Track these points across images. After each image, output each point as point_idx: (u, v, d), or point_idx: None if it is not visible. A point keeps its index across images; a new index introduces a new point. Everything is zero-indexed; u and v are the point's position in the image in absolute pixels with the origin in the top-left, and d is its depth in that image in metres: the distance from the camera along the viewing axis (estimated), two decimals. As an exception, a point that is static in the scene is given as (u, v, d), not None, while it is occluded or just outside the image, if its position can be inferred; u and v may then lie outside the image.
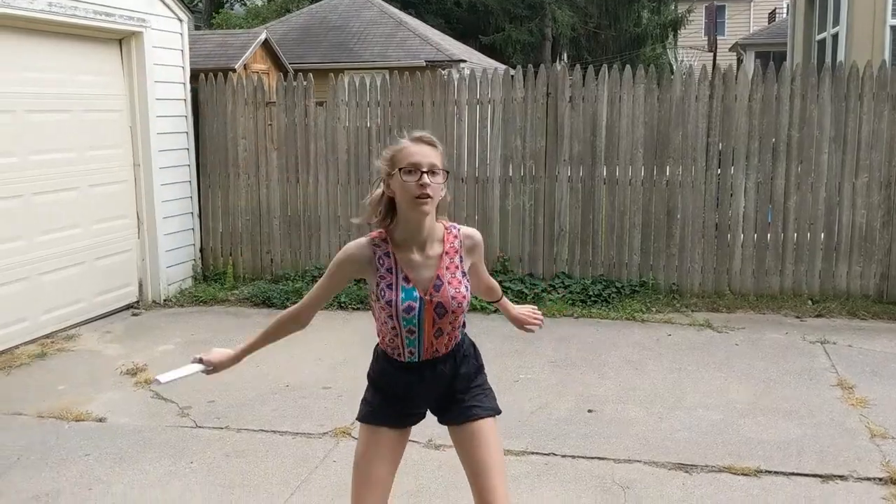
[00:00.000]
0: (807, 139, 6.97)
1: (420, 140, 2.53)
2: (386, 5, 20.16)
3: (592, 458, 4.19)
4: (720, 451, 4.23)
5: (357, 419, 2.73)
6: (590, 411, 4.80)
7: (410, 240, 2.52)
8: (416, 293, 2.50)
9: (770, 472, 4.00)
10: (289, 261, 7.91)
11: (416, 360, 2.58)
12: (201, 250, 8.07)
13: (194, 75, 7.99)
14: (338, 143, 7.76)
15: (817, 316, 6.72)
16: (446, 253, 2.56)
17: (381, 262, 2.51)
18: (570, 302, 7.14)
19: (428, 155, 2.49)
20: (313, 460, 4.21)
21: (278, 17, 23.04)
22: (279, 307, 7.17)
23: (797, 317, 6.73)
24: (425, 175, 2.44)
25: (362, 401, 2.72)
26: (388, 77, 7.71)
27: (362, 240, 2.55)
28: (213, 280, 7.95)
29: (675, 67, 7.99)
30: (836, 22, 10.04)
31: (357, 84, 7.74)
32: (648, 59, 26.92)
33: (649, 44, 27.42)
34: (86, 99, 6.74)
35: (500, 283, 7.32)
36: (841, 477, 3.96)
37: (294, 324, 2.69)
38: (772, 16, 30.22)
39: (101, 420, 4.77)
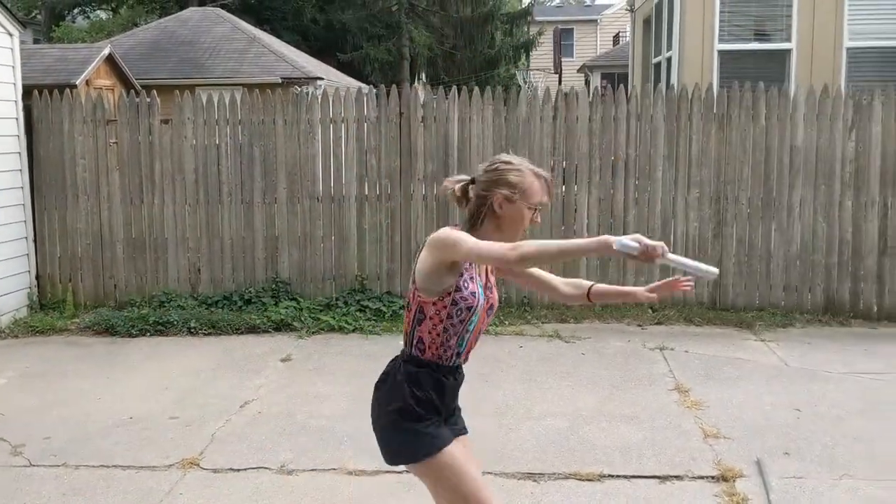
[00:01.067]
0: (643, 157, 7.38)
1: (546, 183, 2.67)
2: (239, 21, 19.78)
3: (445, 473, 4.23)
4: (567, 458, 4.39)
5: (429, 456, 2.58)
6: (443, 427, 4.86)
7: None
8: (482, 289, 2.66)
9: (612, 476, 4.18)
10: (134, 286, 7.58)
11: (457, 362, 2.69)
12: (38, 277, 7.60)
13: (29, 91, 7.54)
14: (185, 162, 7.53)
15: (657, 324, 7.11)
16: None
17: None
18: (426, 318, 7.21)
19: (548, 193, 2.69)
20: (157, 494, 4.05)
21: (124, 31, 22.15)
22: (123, 335, 6.86)
23: (639, 325, 7.08)
24: (537, 213, 2.66)
25: (419, 437, 2.59)
26: (235, 94, 7.57)
27: (451, 227, 2.63)
28: (51, 308, 7.49)
29: (521, 89, 8.31)
30: (669, 46, 10.71)
31: (204, 101, 7.55)
32: (503, 79, 27.70)
33: (503, 65, 28.24)
34: None
35: (358, 301, 7.40)
36: (677, 477, 4.19)
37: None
38: (616, 39, 31.86)
39: (-81, 465, 4.39)
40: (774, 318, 7.11)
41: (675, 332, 6.89)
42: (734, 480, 4.10)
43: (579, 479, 4.14)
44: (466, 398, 5.24)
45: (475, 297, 2.60)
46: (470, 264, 2.61)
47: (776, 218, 7.27)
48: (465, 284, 2.59)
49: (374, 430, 2.69)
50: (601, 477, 4.16)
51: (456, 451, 2.62)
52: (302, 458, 4.42)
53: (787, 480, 4.10)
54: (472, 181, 2.67)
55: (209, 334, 6.90)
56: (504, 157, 2.69)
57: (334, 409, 5.19)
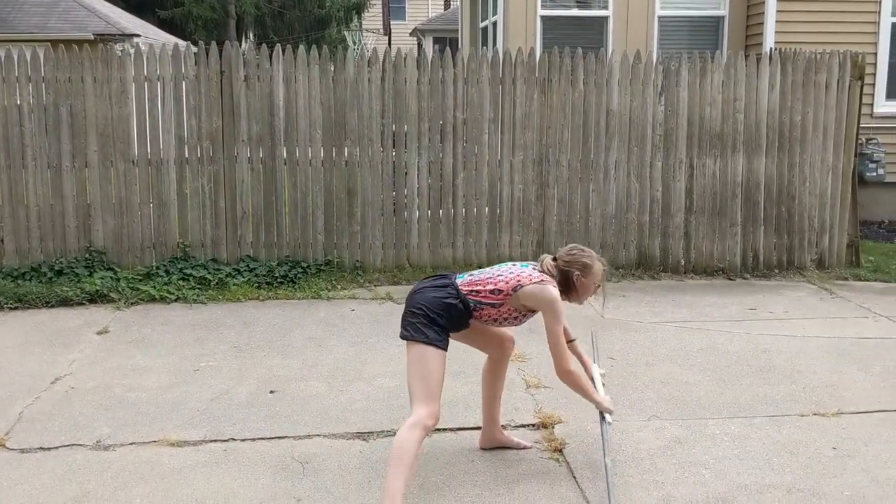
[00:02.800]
0: (470, 120, 7.50)
1: (603, 266, 3.79)
2: (44, -28, 18.22)
3: (273, 438, 4.19)
4: (395, 416, 4.43)
5: (433, 345, 3.53)
6: (272, 392, 4.79)
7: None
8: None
9: (440, 429, 4.23)
10: (-74, 259, 6.91)
11: None
12: None
13: None
14: (-19, 123, 6.91)
15: (485, 283, 7.29)
16: None
17: None
18: (255, 285, 7.05)
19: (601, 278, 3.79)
20: (-44, 481, 3.74)
21: None
22: (-85, 312, 6.26)
23: (467, 285, 7.24)
24: (600, 288, 3.81)
25: (442, 331, 3.60)
26: (37, 50, 6.99)
27: (558, 291, 3.65)
28: None
29: (349, 50, 8.18)
30: (495, 11, 10.91)
31: (3, 57, 6.92)
32: (335, 40, 27.27)
33: (334, 25, 27.78)
34: None
35: (181, 270, 7.11)
36: (502, 426, 4.34)
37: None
38: (447, 3, 32.04)
39: None
40: (593, 274, 7.48)
41: (501, 290, 7.09)
42: (553, 427, 4.31)
43: (407, 436, 4.19)
44: (298, 364, 5.23)
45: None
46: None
47: (594, 179, 7.63)
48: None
49: (418, 305, 3.59)
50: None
51: (443, 360, 3.53)
52: (120, 433, 4.23)
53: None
54: (555, 258, 3.73)
55: (16, 308, 6.42)
56: (580, 246, 3.81)
57: (156, 381, 4.98)
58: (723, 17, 10.55)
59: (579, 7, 10.62)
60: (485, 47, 11.33)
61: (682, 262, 7.77)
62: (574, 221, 7.66)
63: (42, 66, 6.94)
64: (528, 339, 5.76)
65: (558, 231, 7.64)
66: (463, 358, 5.34)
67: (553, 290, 3.62)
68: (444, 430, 4.27)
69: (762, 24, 10.01)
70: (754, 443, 4.18)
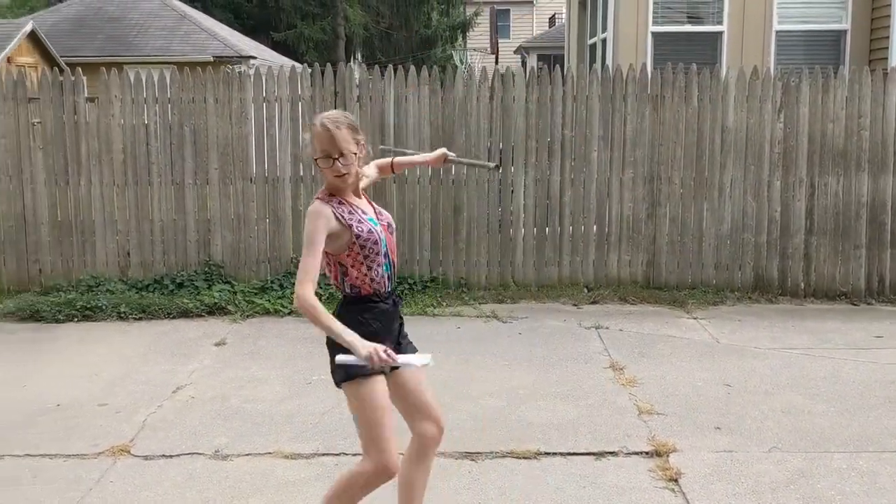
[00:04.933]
0: (579, 138, 7.42)
1: (324, 127, 2.86)
2: (168, -3, 19.23)
3: (383, 454, 4.21)
4: (503, 436, 4.41)
5: (350, 379, 2.91)
6: (381, 408, 4.83)
7: (345, 192, 2.96)
8: (374, 220, 2.99)
9: (549, 453, 4.21)
10: (60, 270, 7.32)
11: (391, 287, 3.01)
12: (-43, 261, 7.30)
13: (-58, 68, 7.19)
14: (113, 141, 7.29)
15: (592, 303, 7.18)
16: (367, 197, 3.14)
17: (339, 212, 2.89)
18: (364, 300, 7.15)
19: (334, 141, 2.84)
20: (87, 482, 3.93)
21: (48, 7, 21.34)
22: (49, 321, 6.63)
23: (574, 304, 7.15)
24: (337, 162, 2.86)
25: (343, 366, 2.86)
26: (165, 72, 7.34)
27: (317, 202, 2.89)
28: (-28, 294, 7.20)
29: (458, 69, 8.24)
30: (604, 28, 10.78)
31: (132, 79, 7.31)
32: (440, 60, 27.60)
33: (440, 45, 28.14)
34: None
35: (293, 284, 7.28)
36: (612, 453, 4.24)
37: None
38: (552, 20, 31.98)
39: None
40: (706, 296, 7.26)
41: (609, 310, 6.97)
42: (668, 455, 4.17)
43: (516, 457, 4.16)
44: (404, 379, 5.24)
45: (372, 232, 2.94)
46: (349, 213, 2.92)
47: (708, 198, 7.41)
48: (360, 227, 2.92)
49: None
50: (538, 454, 4.18)
51: (377, 385, 2.92)
52: (237, 443, 4.35)
53: (719, 454, 4.20)
54: None
55: (140, 319, 6.72)
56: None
57: (271, 392, 5.11)
58: (844, 31, 10.09)
59: (692, 23, 10.37)
60: (594, 64, 11.22)
61: (802, 285, 7.43)
62: (686, 241, 7.45)
63: (168, 87, 7.29)
64: (639, 362, 5.65)
65: (669, 250, 7.45)
66: (572, 380, 5.27)
67: (313, 204, 2.90)
68: (554, 454, 4.20)
69: (888, 37, 9.52)
70: (884, 479, 3.93)
